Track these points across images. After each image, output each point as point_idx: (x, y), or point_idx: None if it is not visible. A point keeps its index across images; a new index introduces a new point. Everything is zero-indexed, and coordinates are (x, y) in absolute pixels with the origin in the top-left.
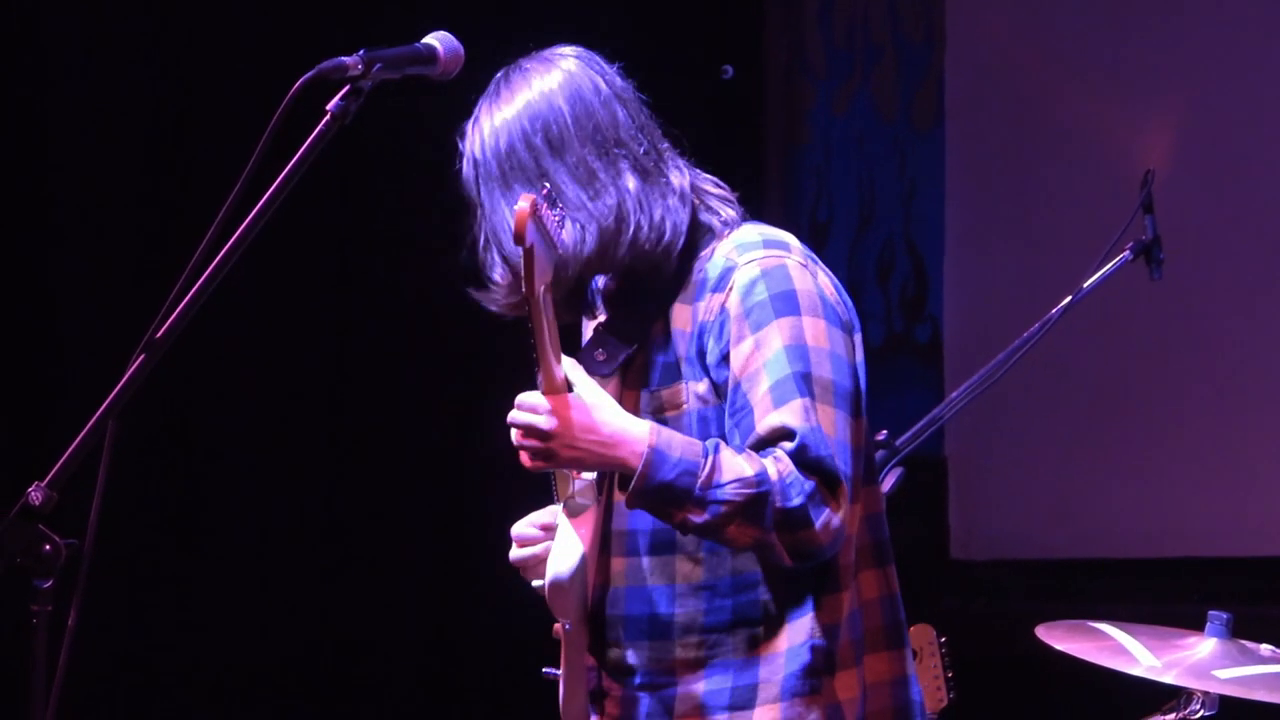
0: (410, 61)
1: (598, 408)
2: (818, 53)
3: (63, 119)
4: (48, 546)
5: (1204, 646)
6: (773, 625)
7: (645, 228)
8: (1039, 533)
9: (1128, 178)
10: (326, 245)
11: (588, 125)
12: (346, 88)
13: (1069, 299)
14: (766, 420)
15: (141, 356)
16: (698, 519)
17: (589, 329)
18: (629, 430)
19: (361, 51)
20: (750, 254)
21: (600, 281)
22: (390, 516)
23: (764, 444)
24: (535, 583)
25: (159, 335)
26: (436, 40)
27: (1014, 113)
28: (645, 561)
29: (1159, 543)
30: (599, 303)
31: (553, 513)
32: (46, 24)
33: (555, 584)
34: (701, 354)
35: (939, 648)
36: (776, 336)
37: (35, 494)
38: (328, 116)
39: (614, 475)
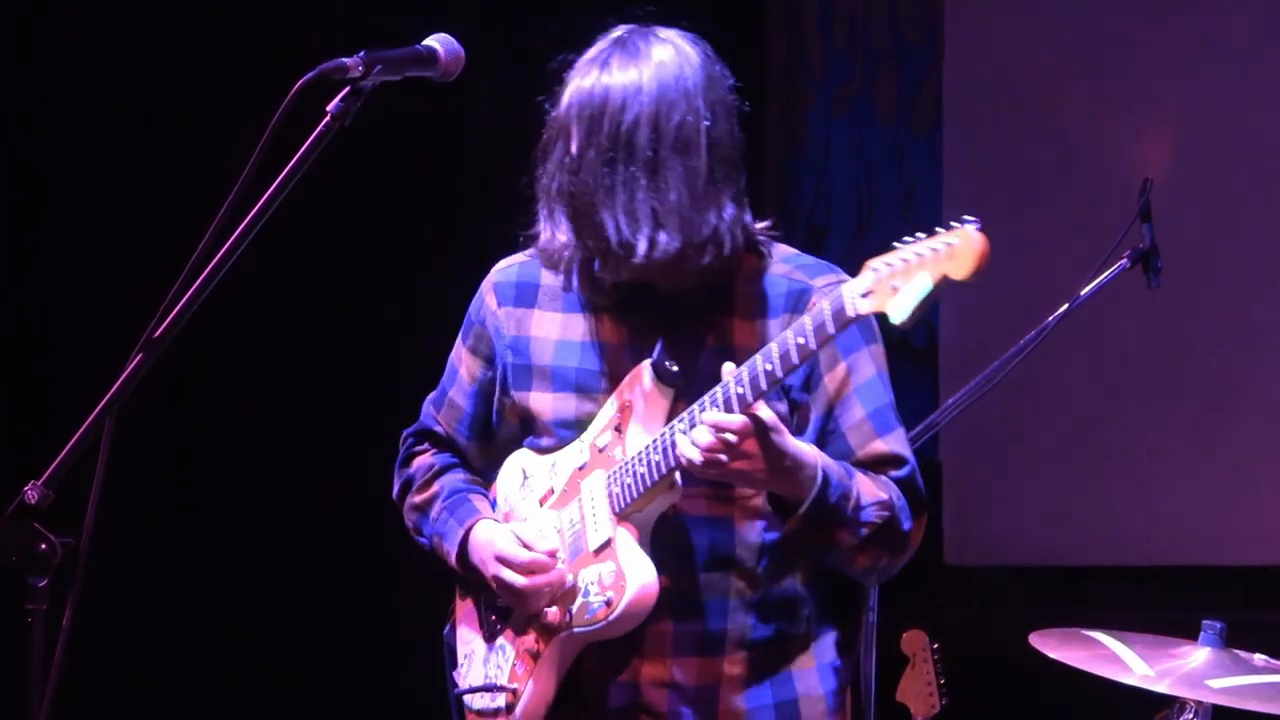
0: (411, 63)
1: (780, 431)
2: (817, 55)
3: (63, 118)
4: (43, 545)
5: (1197, 655)
6: (808, 642)
7: (723, 249)
8: (1033, 538)
9: (1126, 185)
10: (325, 242)
11: (716, 135)
12: (347, 89)
13: (1067, 305)
14: (871, 447)
15: (139, 355)
16: (848, 540)
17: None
18: (804, 453)
19: (362, 53)
20: (821, 277)
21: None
22: (386, 525)
23: (867, 469)
24: (551, 610)
25: (157, 334)
26: (437, 42)
27: (1013, 118)
28: (701, 577)
29: (1153, 550)
30: (638, 306)
31: (538, 530)
32: (51, 24)
33: (643, 601)
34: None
35: (932, 654)
36: (869, 363)
37: (31, 492)
38: (328, 117)
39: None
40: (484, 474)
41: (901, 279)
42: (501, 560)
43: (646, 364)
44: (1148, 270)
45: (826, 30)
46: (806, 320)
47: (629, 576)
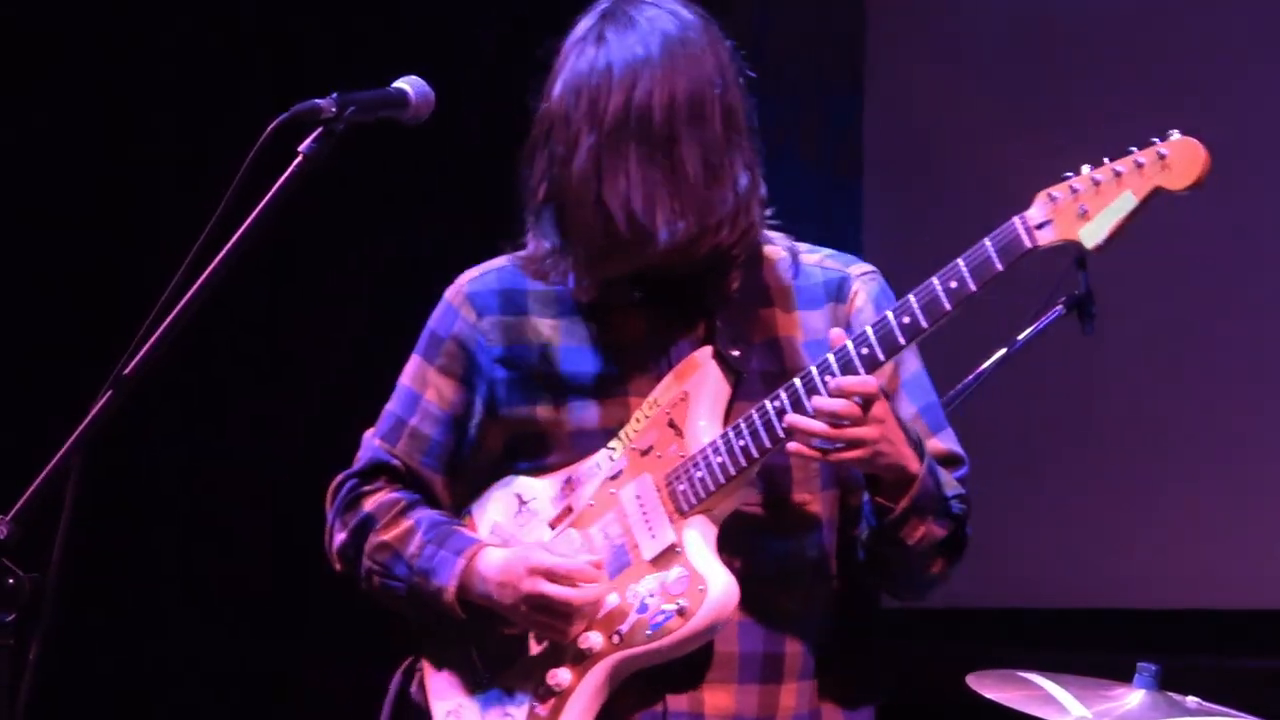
0: (382, 105)
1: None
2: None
3: (32, 159)
4: (10, 580)
5: (1132, 697)
6: (830, 670)
7: (740, 230)
8: (960, 581)
9: None
10: (304, 281)
11: (728, 101)
12: (319, 129)
13: (1003, 351)
14: (928, 444)
15: (109, 392)
16: (937, 534)
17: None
18: (905, 422)
19: (334, 94)
20: (856, 265)
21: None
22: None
23: None
24: (591, 636)
25: (127, 372)
26: (408, 84)
27: (935, 164)
28: (764, 592)
29: (1082, 593)
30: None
31: (568, 548)
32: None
33: (726, 606)
34: None
35: None
36: (913, 357)
37: None
38: (299, 158)
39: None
40: (452, 513)
41: (1093, 201)
42: (541, 572)
43: (707, 351)
44: (1083, 317)
45: (747, 76)
46: (960, 262)
47: (708, 579)
